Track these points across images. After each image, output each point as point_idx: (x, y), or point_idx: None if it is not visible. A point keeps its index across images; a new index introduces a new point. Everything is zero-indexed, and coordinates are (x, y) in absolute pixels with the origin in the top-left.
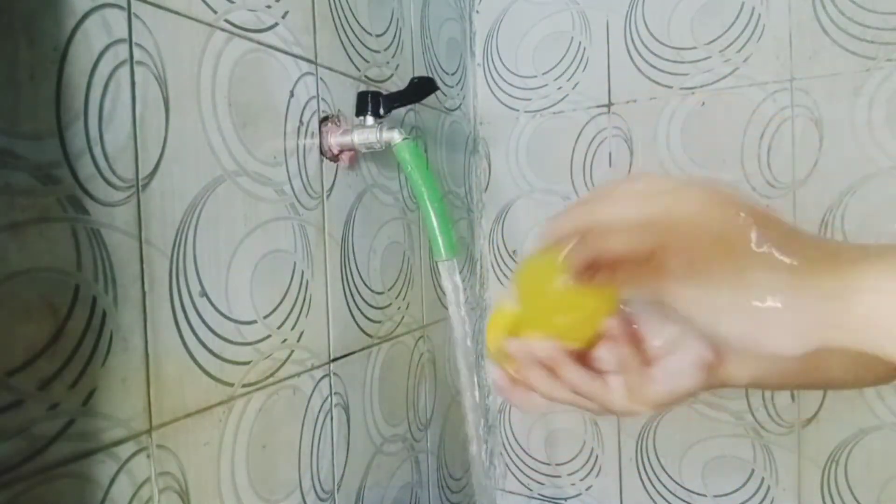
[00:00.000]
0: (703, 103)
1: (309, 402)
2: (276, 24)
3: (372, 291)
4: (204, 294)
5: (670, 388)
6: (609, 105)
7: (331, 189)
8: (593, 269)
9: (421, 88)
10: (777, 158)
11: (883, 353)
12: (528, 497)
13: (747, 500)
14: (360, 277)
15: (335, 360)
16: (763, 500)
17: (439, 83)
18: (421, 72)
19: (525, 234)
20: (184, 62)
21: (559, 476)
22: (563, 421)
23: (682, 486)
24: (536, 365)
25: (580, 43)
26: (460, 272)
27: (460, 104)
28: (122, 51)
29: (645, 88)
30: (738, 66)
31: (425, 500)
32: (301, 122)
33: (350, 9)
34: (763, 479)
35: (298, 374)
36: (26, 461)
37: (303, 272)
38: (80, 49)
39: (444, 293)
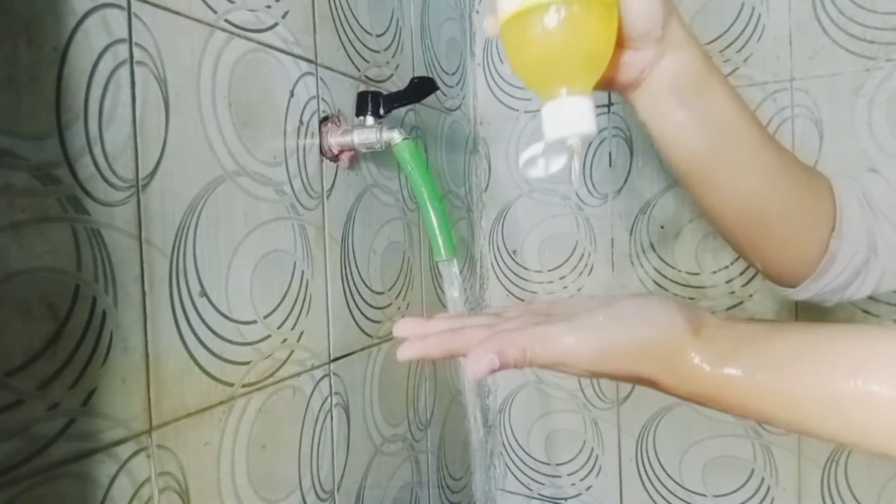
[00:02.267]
0: None
1: (309, 402)
2: (276, 24)
3: (372, 291)
4: (204, 294)
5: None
6: (609, 105)
7: (331, 189)
8: None
9: (421, 88)
10: None
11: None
12: (528, 497)
13: (747, 500)
14: (360, 277)
15: (335, 360)
16: (763, 500)
17: (439, 83)
18: (421, 72)
19: (525, 234)
20: (184, 62)
21: (559, 476)
22: (563, 421)
23: (682, 486)
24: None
25: None
26: (460, 272)
27: (460, 104)
28: (122, 51)
29: None
30: (738, 66)
31: (425, 500)
32: (301, 122)
33: (350, 9)
34: (763, 479)
35: (298, 374)
36: (26, 461)
37: (303, 272)
38: (80, 49)
39: (444, 293)
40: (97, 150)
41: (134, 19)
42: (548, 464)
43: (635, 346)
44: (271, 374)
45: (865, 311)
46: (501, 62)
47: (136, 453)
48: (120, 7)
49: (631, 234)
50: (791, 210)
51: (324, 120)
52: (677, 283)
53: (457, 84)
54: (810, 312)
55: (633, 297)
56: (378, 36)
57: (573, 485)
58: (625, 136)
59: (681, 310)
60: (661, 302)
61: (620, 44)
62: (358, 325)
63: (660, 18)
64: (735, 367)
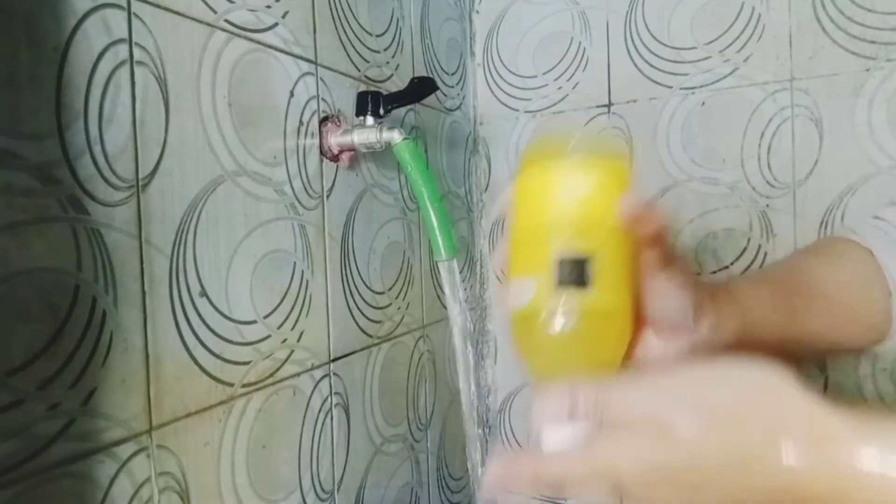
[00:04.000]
0: (703, 103)
1: (309, 402)
2: (276, 24)
3: (372, 291)
4: (204, 294)
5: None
6: (609, 105)
7: (331, 189)
8: None
9: (421, 88)
10: (777, 158)
11: None
12: (529, 497)
13: None
14: (360, 277)
15: (335, 360)
16: None
17: (439, 83)
18: (421, 72)
19: None
20: (184, 62)
21: None
22: None
23: None
24: None
25: (580, 43)
26: (460, 272)
27: (460, 104)
28: (122, 51)
29: (645, 88)
30: (738, 66)
31: (425, 500)
32: (301, 122)
33: (350, 9)
34: None
35: (298, 374)
36: (26, 461)
37: (303, 272)
38: (80, 49)
39: (444, 293)
40: (97, 150)
41: (134, 19)
42: None
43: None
44: (271, 374)
45: None
46: (501, 62)
47: (136, 453)
48: (120, 7)
49: None
50: (853, 316)
51: (324, 120)
52: None
53: (457, 84)
54: None
55: (717, 377)
56: (378, 36)
57: None
58: (624, 136)
59: (790, 377)
60: (753, 374)
61: (640, 332)
62: (358, 325)
63: (689, 311)
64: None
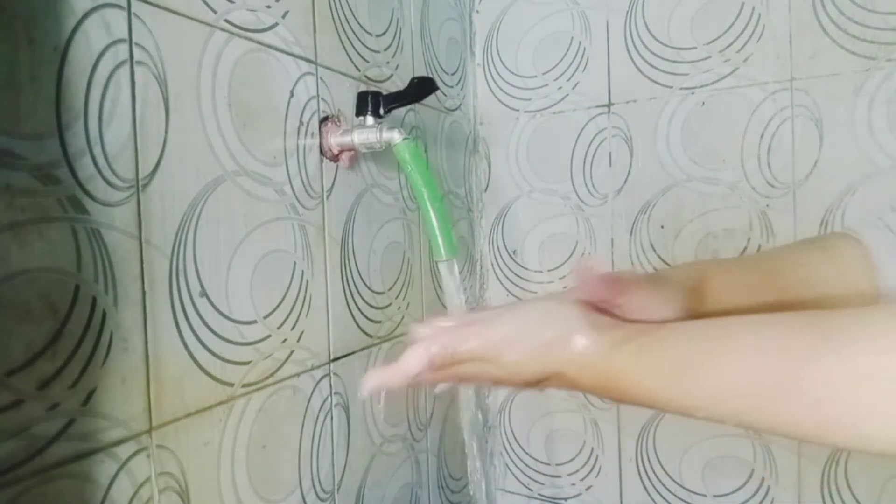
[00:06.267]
0: (703, 103)
1: (309, 402)
2: (276, 24)
3: (372, 291)
4: (204, 294)
5: None
6: (609, 105)
7: (331, 189)
8: None
9: (421, 88)
10: (777, 158)
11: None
12: (528, 497)
13: (747, 501)
14: (360, 277)
15: (335, 360)
16: (763, 500)
17: (439, 83)
18: (421, 72)
19: (525, 234)
20: (184, 62)
21: (559, 476)
22: (563, 421)
23: (682, 486)
24: None
25: (580, 43)
26: (460, 272)
27: (460, 104)
28: (122, 51)
29: (645, 88)
30: (738, 66)
31: (425, 500)
32: (301, 122)
33: (350, 9)
34: (763, 478)
35: (298, 374)
36: (26, 461)
37: (303, 272)
38: (80, 49)
39: (444, 293)
40: (97, 150)
41: (134, 19)
42: (548, 464)
43: (537, 342)
44: (271, 374)
45: None
46: (501, 62)
47: (136, 453)
48: (120, 7)
49: (631, 234)
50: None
51: (324, 120)
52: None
53: (457, 84)
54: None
55: (537, 300)
56: (378, 36)
57: (573, 485)
58: (625, 135)
59: (581, 308)
60: (559, 302)
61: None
62: (358, 325)
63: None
64: (624, 351)
